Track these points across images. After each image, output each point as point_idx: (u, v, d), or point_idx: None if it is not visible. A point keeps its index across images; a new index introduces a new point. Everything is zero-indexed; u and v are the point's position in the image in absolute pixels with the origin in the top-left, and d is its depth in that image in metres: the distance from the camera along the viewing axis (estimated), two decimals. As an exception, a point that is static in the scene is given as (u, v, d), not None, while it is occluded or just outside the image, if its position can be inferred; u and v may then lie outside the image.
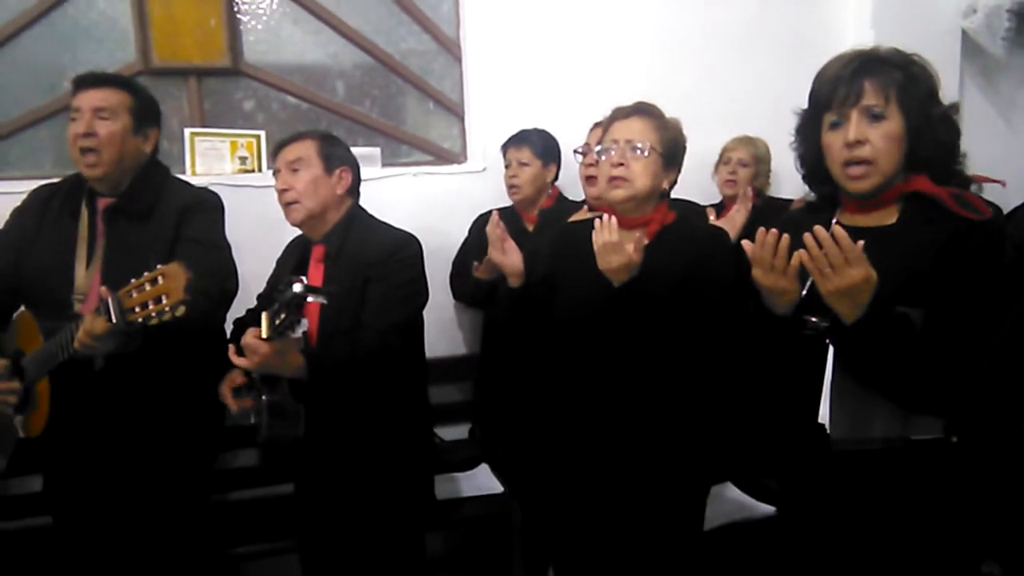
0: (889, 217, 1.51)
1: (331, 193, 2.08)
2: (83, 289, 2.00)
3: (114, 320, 1.65)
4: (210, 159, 2.93)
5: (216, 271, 2.02)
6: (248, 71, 3.03)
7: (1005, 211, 2.89)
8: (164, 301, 1.58)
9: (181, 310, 1.58)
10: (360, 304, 1.98)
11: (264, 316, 1.77)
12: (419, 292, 2.08)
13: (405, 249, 2.04)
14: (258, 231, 2.65)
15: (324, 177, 2.07)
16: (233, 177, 2.89)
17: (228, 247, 2.14)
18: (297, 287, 1.67)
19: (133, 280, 1.63)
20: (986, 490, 1.40)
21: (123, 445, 2.02)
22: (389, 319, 1.97)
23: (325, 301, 1.82)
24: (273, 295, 1.86)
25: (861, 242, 1.33)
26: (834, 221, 1.53)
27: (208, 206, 2.12)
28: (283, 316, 1.72)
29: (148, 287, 1.60)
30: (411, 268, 2.04)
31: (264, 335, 1.74)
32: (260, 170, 2.95)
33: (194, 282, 1.60)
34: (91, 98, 2.02)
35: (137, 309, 1.61)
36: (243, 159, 2.95)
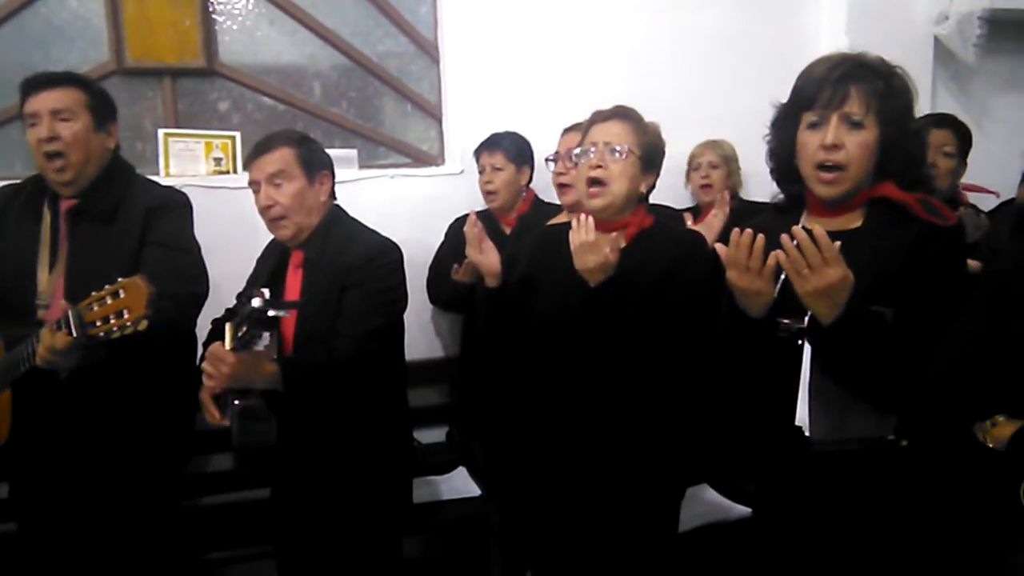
0: (854, 221, 1.53)
1: (315, 202, 2.02)
2: (46, 294, 1.96)
3: (74, 335, 1.63)
4: (184, 160, 2.90)
5: (184, 275, 1.98)
6: (223, 71, 3.01)
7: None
8: (126, 315, 1.55)
9: (143, 324, 1.55)
10: (337, 311, 1.95)
11: (228, 327, 1.75)
12: (397, 300, 2.04)
13: (384, 256, 2.00)
14: (233, 233, 2.63)
15: (308, 188, 2.00)
16: (208, 178, 2.87)
17: (197, 249, 2.09)
18: (256, 302, 1.66)
19: (94, 293, 1.60)
20: (936, 494, 1.42)
21: (90, 452, 1.98)
22: (365, 326, 1.93)
23: (286, 315, 1.80)
24: (236, 306, 1.84)
25: (838, 242, 1.35)
26: (800, 224, 1.54)
27: (175, 206, 2.08)
28: (244, 329, 1.70)
29: (109, 300, 1.57)
30: (389, 276, 2.00)
31: (227, 346, 1.72)
32: (235, 171, 2.92)
33: (159, 289, 1.57)
34: (47, 100, 1.96)
35: (98, 323, 1.58)
36: (218, 160, 2.92)
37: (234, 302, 2.17)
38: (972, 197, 2.90)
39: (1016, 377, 1.28)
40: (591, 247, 1.77)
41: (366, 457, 2.04)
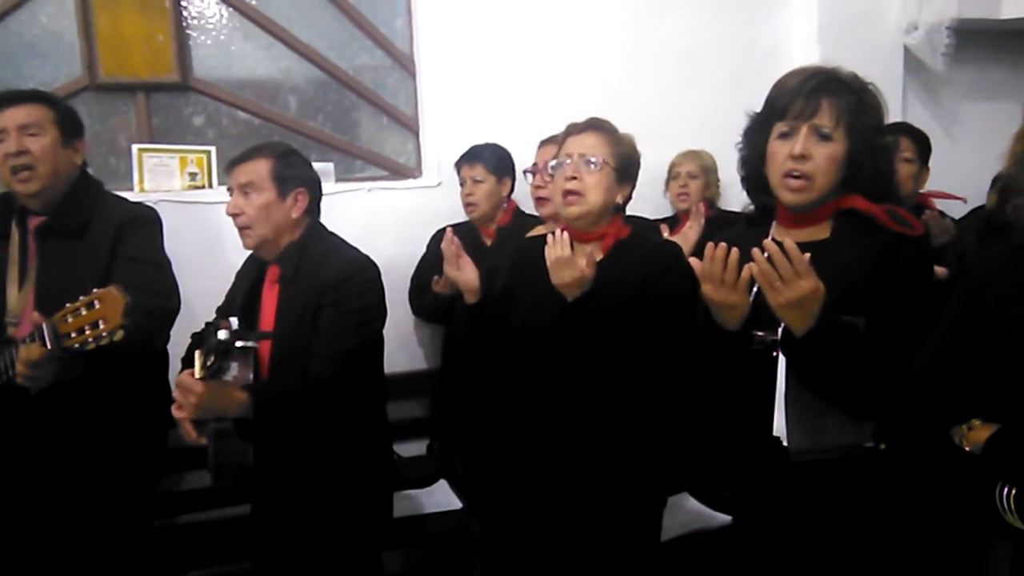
0: (822, 232, 1.55)
1: (285, 218, 1.99)
2: (16, 311, 1.95)
3: (49, 347, 1.61)
4: (159, 175, 2.87)
5: (156, 290, 1.98)
6: (198, 86, 2.99)
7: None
8: (102, 326, 1.55)
9: (120, 335, 1.55)
10: (313, 329, 1.92)
11: (197, 355, 1.73)
12: (374, 319, 2.01)
13: (361, 275, 1.97)
14: (208, 248, 2.63)
15: (277, 202, 1.97)
16: (182, 194, 2.84)
17: (168, 264, 2.10)
18: (222, 334, 1.65)
19: (68, 305, 1.60)
20: (914, 498, 1.44)
21: (60, 469, 1.96)
22: (340, 347, 1.90)
23: (255, 345, 1.79)
24: (204, 334, 1.83)
25: (808, 254, 1.36)
26: (770, 236, 1.56)
27: (145, 222, 2.08)
28: (212, 359, 1.69)
29: (84, 312, 1.57)
30: (366, 295, 1.97)
31: (197, 375, 1.70)
32: (211, 186, 2.90)
33: (133, 303, 1.57)
34: (14, 116, 1.97)
35: (73, 335, 1.58)
36: (193, 175, 2.90)
37: (213, 315, 2.17)
38: (940, 204, 2.95)
39: (990, 382, 1.30)
40: (567, 262, 1.78)
41: (345, 472, 2.02)
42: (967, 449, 1.29)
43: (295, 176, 2.01)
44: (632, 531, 1.93)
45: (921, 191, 2.92)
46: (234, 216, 1.99)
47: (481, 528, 2.64)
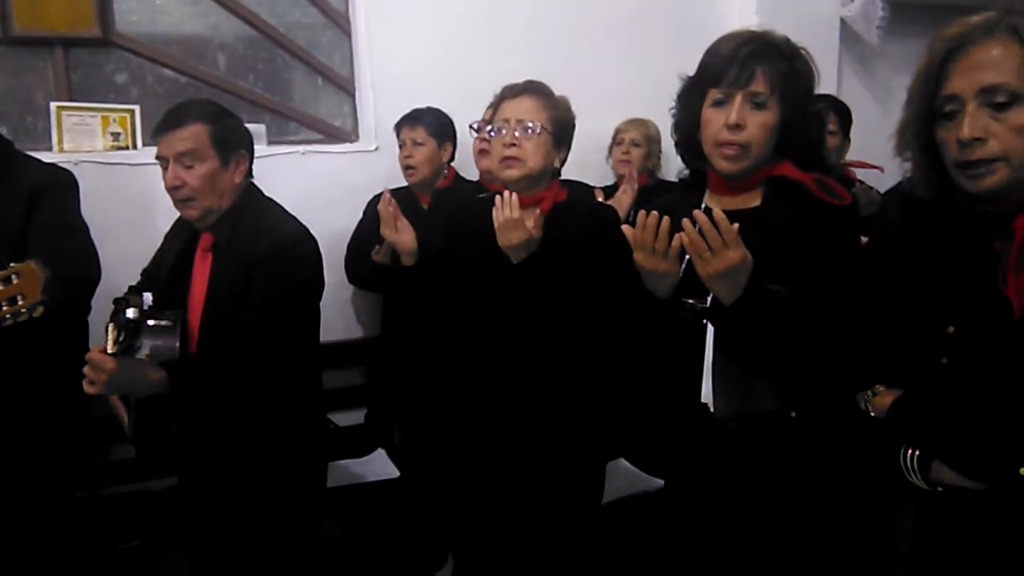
0: (754, 200, 1.55)
1: (229, 185, 1.90)
2: None
3: None
4: (79, 135, 2.75)
5: (74, 258, 1.89)
6: (120, 41, 2.86)
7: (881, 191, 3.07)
8: (20, 302, 1.50)
9: (39, 311, 1.51)
10: (245, 301, 1.84)
11: (109, 329, 1.66)
12: (307, 293, 1.94)
13: (294, 248, 1.88)
14: (132, 212, 2.54)
15: (221, 170, 1.87)
16: (105, 154, 2.73)
17: (86, 229, 2.01)
18: (131, 312, 1.59)
19: None
20: (826, 462, 1.48)
21: None
22: (268, 322, 1.82)
23: (170, 324, 1.73)
24: (116, 307, 1.76)
25: (736, 225, 1.36)
26: (703, 205, 1.56)
27: (62, 185, 1.99)
28: (122, 337, 1.63)
29: (1, 287, 1.51)
30: (300, 269, 1.89)
31: (109, 350, 1.64)
32: (135, 147, 2.79)
33: (52, 277, 1.51)
34: None
35: None
36: (116, 135, 2.78)
37: (138, 280, 2.09)
38: (865, 175, 3.02)
39: (894, 350, 1.34)
40: (515, 224, 1.77)
41: (276, 442, 1.97)
42: (872, 414, 1.33)
43: (235, 139, 1.92)
44: (574, 495, 1.94)
45: (842, 162, 2.99)
46: (174, 189, 1.86)
47: (419, 497, 2.64)
